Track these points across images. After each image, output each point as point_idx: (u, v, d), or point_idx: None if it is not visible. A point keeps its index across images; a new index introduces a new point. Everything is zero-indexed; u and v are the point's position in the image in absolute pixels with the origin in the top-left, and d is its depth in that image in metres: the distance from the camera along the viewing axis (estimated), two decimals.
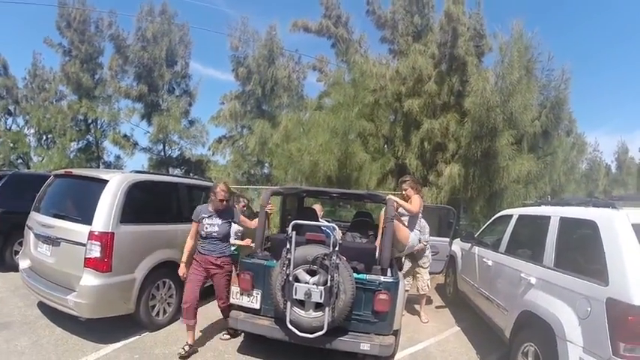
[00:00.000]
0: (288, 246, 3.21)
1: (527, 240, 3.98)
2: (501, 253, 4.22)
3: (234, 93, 14.09)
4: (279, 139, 12.53)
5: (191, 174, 14.51)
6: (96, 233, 3.52)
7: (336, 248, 3.12)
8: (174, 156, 15.69)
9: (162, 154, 15.50)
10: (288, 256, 3.18)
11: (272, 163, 13.32)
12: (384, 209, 3.86)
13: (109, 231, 3.57)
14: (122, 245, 3.69)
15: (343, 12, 11.79)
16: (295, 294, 3.12)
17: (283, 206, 5.94)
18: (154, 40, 14.46)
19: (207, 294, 4.43)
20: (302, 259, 3.21)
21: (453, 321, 5.33)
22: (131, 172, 4.37)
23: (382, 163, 9.12)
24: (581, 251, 2.95)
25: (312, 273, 3.23)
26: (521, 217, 4.22)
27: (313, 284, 3.15)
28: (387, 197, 3.92)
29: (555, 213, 3.37)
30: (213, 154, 15.27)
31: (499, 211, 5.67)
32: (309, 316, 3.18)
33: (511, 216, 4.47)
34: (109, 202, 3.67)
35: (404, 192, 4.36)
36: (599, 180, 18.20)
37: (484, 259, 4.65)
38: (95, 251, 3.50)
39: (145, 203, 4.29)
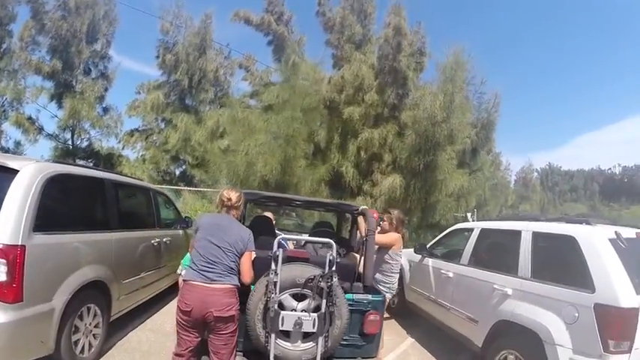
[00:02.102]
0: (273, 266, 2.85)
1: (495, 253, 4.42)
2: (464, 265, 4.62)
3: (155, 82, 13.20)
4: (202, 137, 12.12)
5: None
6: (0, 247, 2.71)
7: (334, 268, 2.88)
8: (83, 147, 14.04)
9: (71, 143, 13.77)
10: (274, 279, 2.80)
11: (191, 162, 12.76)
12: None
13: (19, 244, 2.76)
14: (37, 263, 2.90)
15: (286, 10, 11.91)
16: (282, 325, 2.80)
17: None
18: (77, 10, 12.91)
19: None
20: (290, 281, 2.86)
21: (404, 332, 5.64)
22: (47, 160, 3.57)
23: (325, 169, 9.33)
24: (560, 263, 3.40)
25: (299, 297, 2.93)
26: (484, 230, 4.65)
27: (302, 311, 2.87)
28: (362, 207, 3.85)
29: (527, 228, 3.84)
30: (123, 148, 14.01)
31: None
32: (296, 348, 2.90)
33: (471, 229, 4.89)
34: (19, 202, 2.83)
35: (382, 223, 4.18)
36: (508, 195, 21.27)
37: (442, 271, 5.01)
38: (0, 273, 2.70)
39: (68, 204, 3.54)
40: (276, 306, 2.78)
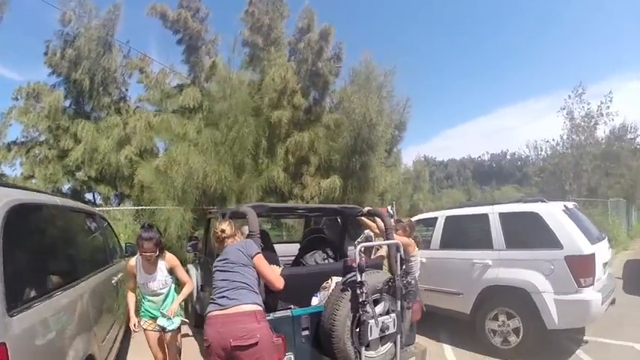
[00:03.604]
0: (359, 277, 2.94)
1: (466, 234, 5.64)
2: (435, 250, 5.75)
3: (38, 85, 11.68)
4: (109, 147, 11.50)
5: None
6: None
7: (404, 267, 3.27)
8: None
9: None
10: (363, 290, 2.89)
11: (93, 176, 11.90)
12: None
13: None
14: None
15: (202, 6, 11.96)
16: (371, 334, 2.93)
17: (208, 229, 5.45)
18: None
19: None
20: (372, 289, 3.01)
21: None
22: None
23: (267, 176, 9.87)
24: (529, 233, 4.75)
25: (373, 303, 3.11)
26: (449, 217, 5.83)
27: (379, 315, 3.07)
28: (368, 208, 4.40)
29: (492, 210, 5.16)
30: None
31: None
32: (379, 354, 3.10)
33: (435, 218, 6.03)
34: None
35: (396, 232, 4.43)
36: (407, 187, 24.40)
37: None
38: None
39: (38, 252, 2.52)
40: (366, 317, 2.90)
